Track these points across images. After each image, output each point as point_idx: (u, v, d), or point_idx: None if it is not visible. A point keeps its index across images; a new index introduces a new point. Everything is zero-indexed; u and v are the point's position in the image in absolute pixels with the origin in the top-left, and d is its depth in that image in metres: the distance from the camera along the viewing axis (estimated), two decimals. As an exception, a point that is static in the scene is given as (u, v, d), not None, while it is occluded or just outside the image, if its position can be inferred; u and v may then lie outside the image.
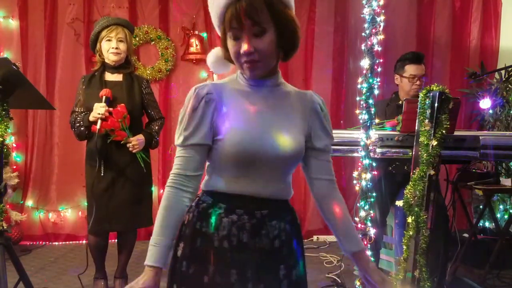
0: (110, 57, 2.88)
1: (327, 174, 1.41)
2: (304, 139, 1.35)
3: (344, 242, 1.39)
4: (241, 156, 1.27)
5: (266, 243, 1.29)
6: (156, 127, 3.03)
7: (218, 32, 1.33)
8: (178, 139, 1.30)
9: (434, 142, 2.22)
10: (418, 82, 3.11)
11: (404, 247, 2.28)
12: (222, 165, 1.30)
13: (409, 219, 2.25)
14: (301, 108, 1.37)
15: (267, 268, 1.30)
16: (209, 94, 1.29)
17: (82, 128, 2.83)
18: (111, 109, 2.75)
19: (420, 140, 2.26)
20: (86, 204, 3.00)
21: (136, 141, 2.84)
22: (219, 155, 1.28)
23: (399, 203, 2.35)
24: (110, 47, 2.86)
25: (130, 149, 2.84)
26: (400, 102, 3.08)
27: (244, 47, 1.23)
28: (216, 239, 1.27)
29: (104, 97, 2.76)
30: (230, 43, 1.27)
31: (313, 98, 1.39)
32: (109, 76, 2.93)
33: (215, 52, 1.40)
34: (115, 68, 2.93)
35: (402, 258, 2.29)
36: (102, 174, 2.85)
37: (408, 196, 2.25)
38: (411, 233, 2.24)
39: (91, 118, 2.76)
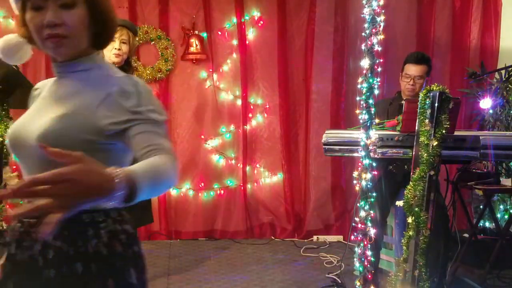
0: (111, 58, 2.88)
1: (148, 142, 1.08)
2: (83, 124, 1.09)
3: None
4: (10, 147, 1.16)
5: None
6: None
7: (15, 11, 1.16)
8: None
9: (435, 142, 2.22)
10: (411, 82, 3.10)
11: (404, 247, 2.29)
12: None
13: (409, 219, 2.25)
14: (103, 91, 1.12)
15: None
16: (34, 90, 1.25)
17: None
18: None
19: (420, 140, 2.26)
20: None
21: None
22: None
23: (399, 203, 2.35)
24: (113, 48, 2.87)
25: None
26: (402, 102, 3.08)
27: (49, 15, 1.06)
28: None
29: None
30: (30, 15, 1.09)
31: (122, 81, 1.14)
32: None
33: (6, 38, 1.25)
34: None
35: (402, 259, 2.29)
36: None
37: (408, 196, 2.25)
38: (410, 233, 2.25)
39: None
